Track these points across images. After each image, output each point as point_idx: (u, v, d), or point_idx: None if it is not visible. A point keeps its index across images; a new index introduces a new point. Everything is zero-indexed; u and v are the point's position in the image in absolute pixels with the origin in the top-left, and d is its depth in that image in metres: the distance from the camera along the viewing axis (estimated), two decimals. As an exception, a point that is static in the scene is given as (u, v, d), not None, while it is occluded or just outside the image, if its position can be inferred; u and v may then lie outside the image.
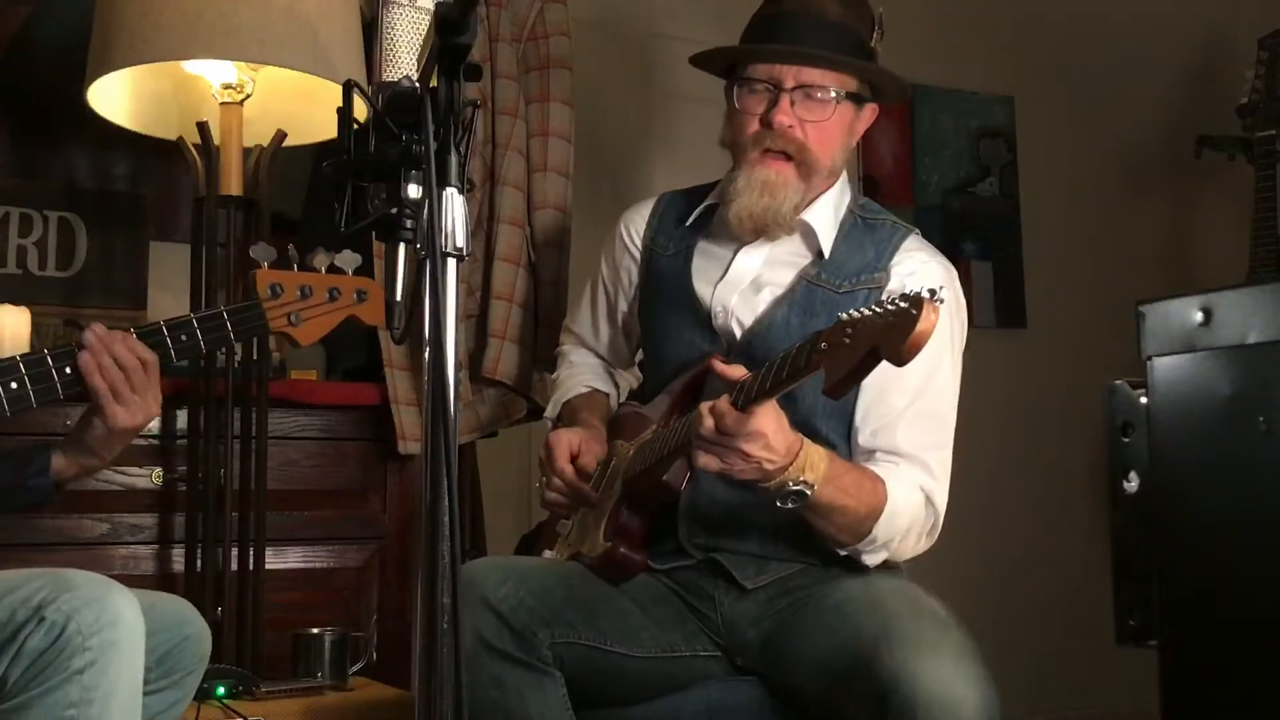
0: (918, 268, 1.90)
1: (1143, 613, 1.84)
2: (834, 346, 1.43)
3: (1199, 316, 1.73)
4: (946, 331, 1.88)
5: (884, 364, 1.84)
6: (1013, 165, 3.96)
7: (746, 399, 1.59)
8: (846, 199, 1.99)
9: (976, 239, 3.87)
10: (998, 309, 3.85)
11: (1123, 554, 1.88)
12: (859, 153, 3.68)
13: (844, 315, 1.43)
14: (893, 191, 3.69)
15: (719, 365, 1.72)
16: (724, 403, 1.61)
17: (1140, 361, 1.81)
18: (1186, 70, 4.06)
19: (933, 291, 1.36)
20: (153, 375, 1.68)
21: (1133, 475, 1.85)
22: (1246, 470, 1.67)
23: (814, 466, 1.67)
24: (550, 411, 2.20)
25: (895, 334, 1.36)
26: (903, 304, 1.36)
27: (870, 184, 3.66)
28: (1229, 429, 1.69)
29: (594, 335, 2.22)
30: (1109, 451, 1.87)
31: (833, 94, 1.89)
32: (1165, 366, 1.78)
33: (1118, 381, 1.87)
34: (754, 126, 1.91)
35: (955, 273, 1.97)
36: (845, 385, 1.45)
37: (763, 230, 1.92)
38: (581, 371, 2.21)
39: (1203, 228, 4.04)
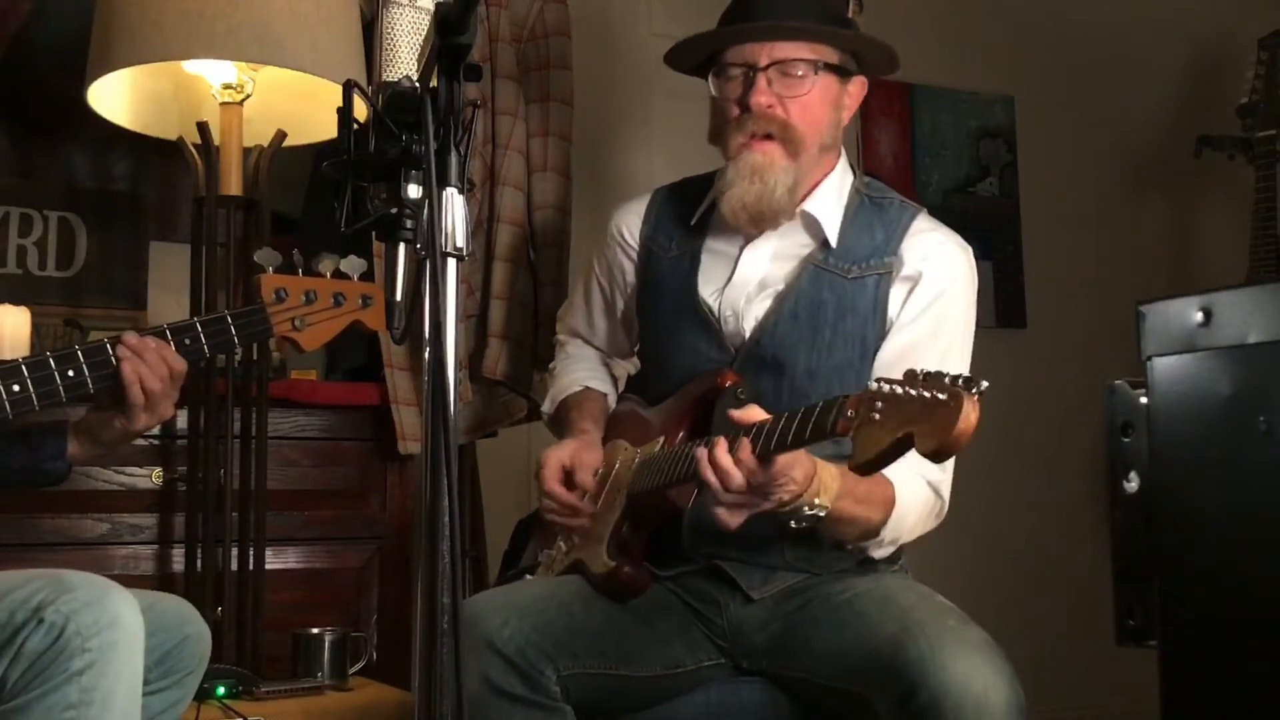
0: (933, 250, 1.87)
1: (1143, 613, 1.84)
2: (863, 420, 1.36)
3: (1199, 316, 1.73)
4: (960, 319, 1.88)
5: (890, 341, 1.83)
6: (1013, 165, 3.96)
7: (766, 449, 1.53)
8: (849, 180, 1.95)
9: (976, 239, 3.85)
10: (998, 309, 3.85)
11: (1123, 554, 1.88)
12: (859, 152, 3.68)
13: (874, 385, 1.37)
14: (893, 191, 3.69)
15: (735, 414, 1.62)
16: (748, 453, 1.53)
17: (1140, 361, 1.80)
18: (1186, 70, 4.06)
19: (971, 382, 1.28)
20: (178, 383, 1.71)
21: (1133, 475, 1.84)
22: (1246, 470, 1.67)
23: (827, 488, 1.62)
24: (547, 407, 2.17)
25: (929, 426, 1.27)
26: (940, 395, 1.27)
27: (870, 184, 3.66)
28: (1229, 429, 1.69)
29: (589, 329, 2.19)
30: (1109, 451, 1.86)
31: (810, 66, 1.85)
32: (1165, 366, 1.77)
33: (1118, 381, 1.87)
34: (734, 112, 1.87)
35: (970, 251, 1.93)
36: (871, 468, 1.37)
37: (759, 219, 1.87)
38: (577, 366, 2.18)
39: (1203, 228, 4.04)
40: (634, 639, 1.81)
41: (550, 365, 2.27)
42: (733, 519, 1.61)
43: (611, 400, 2.14)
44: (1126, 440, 1.85)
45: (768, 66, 1.84)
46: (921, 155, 3.82)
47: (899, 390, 1.33)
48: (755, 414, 1.60)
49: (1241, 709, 1.67)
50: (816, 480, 1.61)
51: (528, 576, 2.01)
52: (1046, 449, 3.74)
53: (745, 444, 1.55)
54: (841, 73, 1.90)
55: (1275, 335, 1.65)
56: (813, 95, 1.86)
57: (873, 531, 1.75)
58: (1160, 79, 4.04)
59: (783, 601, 1.83)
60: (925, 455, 1.31)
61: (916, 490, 1.78)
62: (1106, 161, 4.02)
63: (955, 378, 1.29)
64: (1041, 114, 3.97)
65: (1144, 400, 1.81)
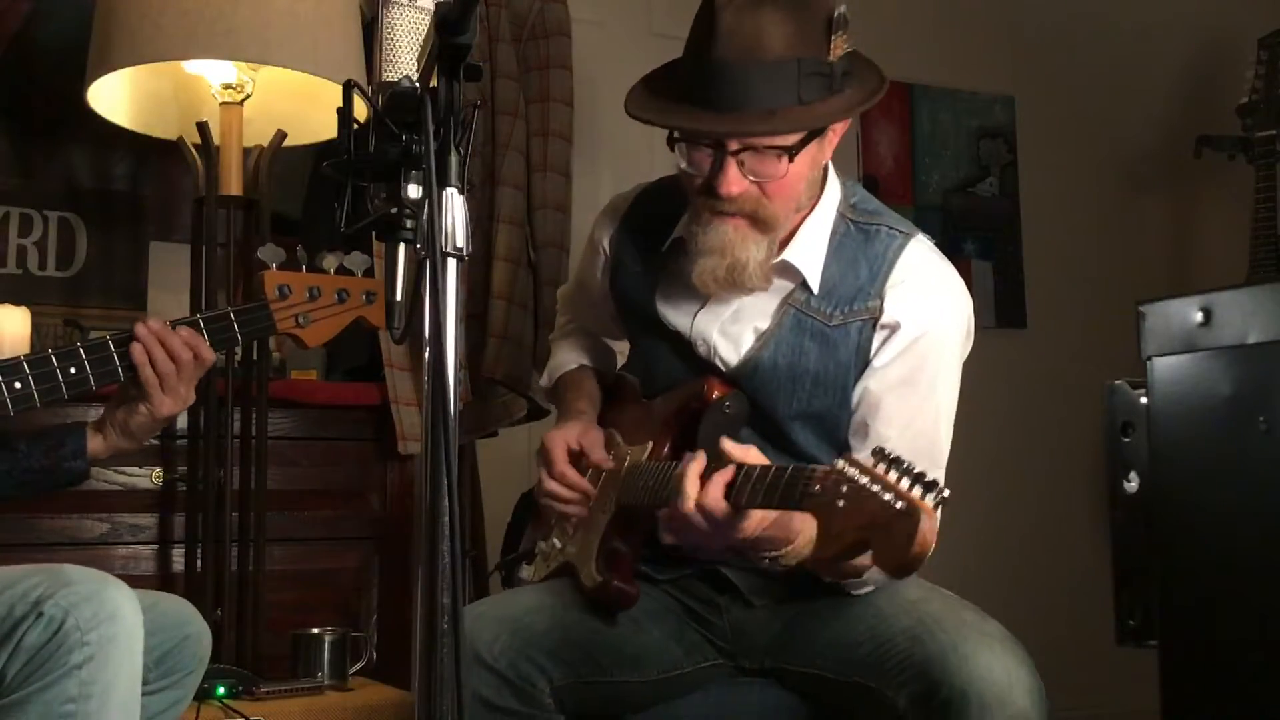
0: (913, 300, 1.71)
1: (1143, 613, 1.84)
2: (828, 503, 1.30)
3: (1199, 316, 1.73)
4: (940, 369, 1.76)
5: (860, 383, 1.75)
6: (1013, 165, 3.96)
7: (737, 502, 1.47)
8: (834, 207, 1.78)
9: (976, 239, 3.88)
10: (998, 309, 3.86)
11: (1123, 554, 1.88)
12: (859, 153, 3.68)
13: (840, 465, 1.30)
14: (893, 191, 3.69)
15: (728, 446, 1.52)
16: (716, 499, 1.48)
17: (1140, 361, 1.81)
18: (1186, 70, 4.06)
19: (932, 486, 1.21)
20: (201, 370, 1.73)
21: (1133, 475, 1.84)
22: (1246, 470, 1.67)
23: (809, 540, 1.51)
24: (545, 381, 2.12)
25: (887, 541, 1.21)
26: (898, 504, 1.21)
27: (870, 184, 3.66)
28: (1229, 429, 1.69)
29: (581, 315, 2.13)
30: (1109, 451, 1.87)
31: (786, 152, 1.63)
32: (1165, 366, 1.77)
33: (1118, 381, 1.87)
34: (700, 188, 1.69)
35: (963, 287, 1.79)
36: (831, 565, 1.33)
37: (732, 288, 1.72)
38: (574, 343, 2.12)
39: (1203, 228, 4.04)
40: (630, 645, 1.80)
41: (550, 336, 2.21)
42: (672, 537, 1.56)
43: (608, 368, 2.09)
44: (1126, 440, 1.85)
45: (738, 151, 1.63)
46: (921, 155, 3.83)
47: (863, 481, 1.27)
48: (751, 454, 1.52)
49: (1241, 709, 1.68)
50: (801, 538, 1.54)
51: (525, 567, 2.01)
52: (1046, 449, 3.75)
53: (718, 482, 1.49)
54: (822, 130, 1.68)
55: (1275, 335, 1.66)
56: (790, 175, 1.66)
57: (858, 572, 1.66)
58: (1160, 79, 4.04)
59: (784, 602, 1.82)
60: (879, 565, 1.25)
61: None
62: (1106, 161, 4.02)
63: (917, 477, 1.22)
64: (1041, 114, 3.97)
65: (1144, 400, 1.81)
